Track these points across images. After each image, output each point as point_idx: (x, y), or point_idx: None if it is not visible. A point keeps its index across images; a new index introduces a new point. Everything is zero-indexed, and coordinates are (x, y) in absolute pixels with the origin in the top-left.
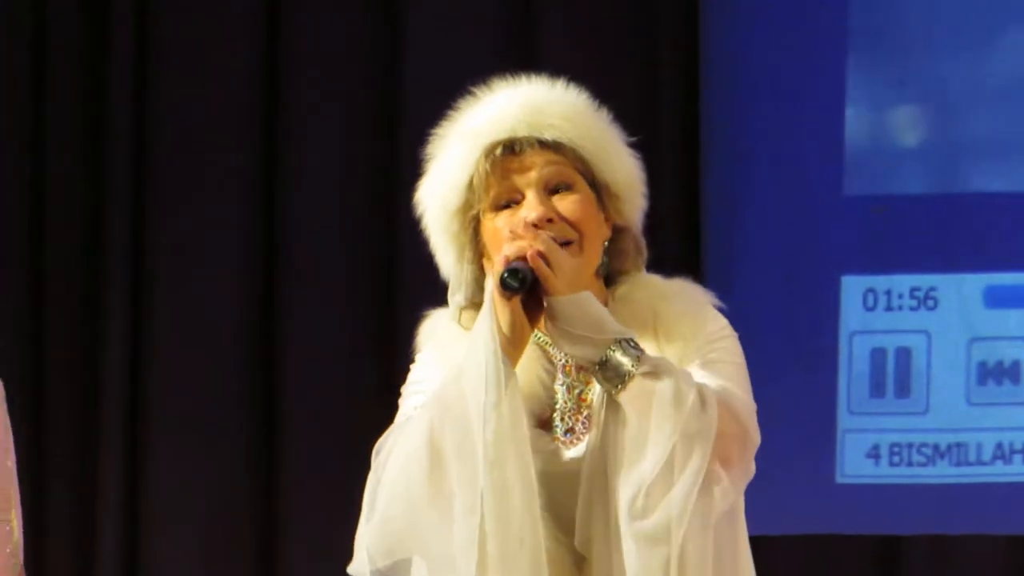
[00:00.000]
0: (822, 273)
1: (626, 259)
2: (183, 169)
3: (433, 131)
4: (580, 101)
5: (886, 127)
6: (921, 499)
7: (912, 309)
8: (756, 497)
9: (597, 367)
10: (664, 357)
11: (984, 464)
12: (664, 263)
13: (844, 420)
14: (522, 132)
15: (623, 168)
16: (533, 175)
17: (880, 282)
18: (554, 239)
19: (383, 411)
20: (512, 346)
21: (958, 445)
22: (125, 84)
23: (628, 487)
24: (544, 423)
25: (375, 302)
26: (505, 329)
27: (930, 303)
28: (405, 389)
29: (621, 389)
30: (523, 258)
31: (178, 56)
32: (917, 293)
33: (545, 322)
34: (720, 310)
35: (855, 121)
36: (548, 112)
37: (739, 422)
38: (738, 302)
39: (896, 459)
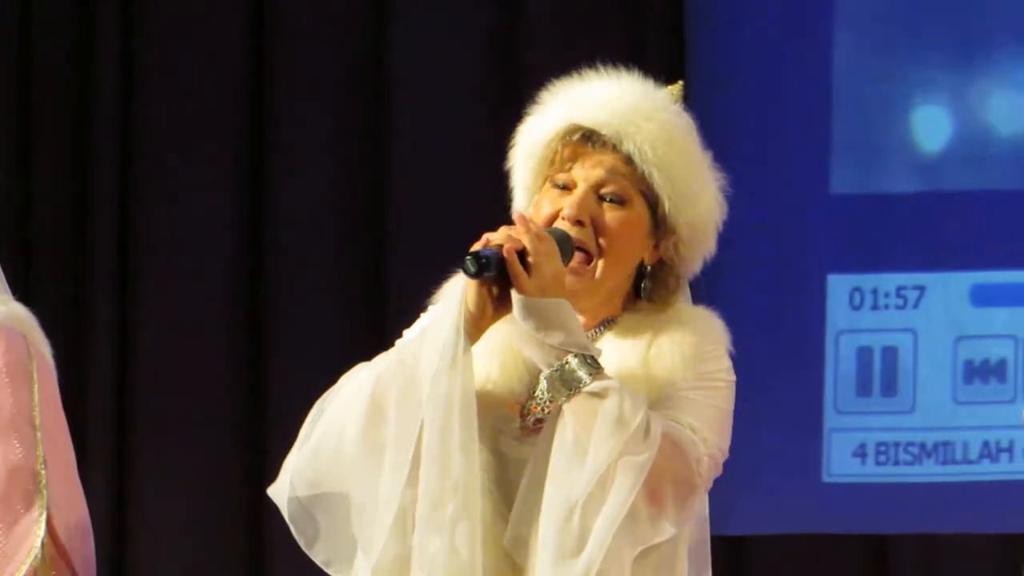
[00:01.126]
0: (808, 272)
1: (663, 290)
2: (169, 166)
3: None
4: (679, 123)
5: (873, 125)
6: (908, 498)
7: (898, 308)
8: (743, 496)
9: (550, 374)
10: (618, 381)
11: (971, 463)
12: None
13: (831, 419)
14: (605, 131)
15: (694, 212)
16: (594, 173)
17: (866, 281)
18: (579, 241)
19: None
20: (474, 325)
21: (945, 444)
22: (111, 79)
23: (561, 500)
24: (520, 407)
25: (363, 301)
26: (471, 308)
27: (916, 302)
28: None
29: (567, 401)
30: (500, 246)
31: (164, 52)
32: (903, 292)
33: (514, 314)
34: (731, 356)
35: (841, 119)
36: (640, 124)
37: (684, 462)
38: (725, 301)
39: (883, 458)
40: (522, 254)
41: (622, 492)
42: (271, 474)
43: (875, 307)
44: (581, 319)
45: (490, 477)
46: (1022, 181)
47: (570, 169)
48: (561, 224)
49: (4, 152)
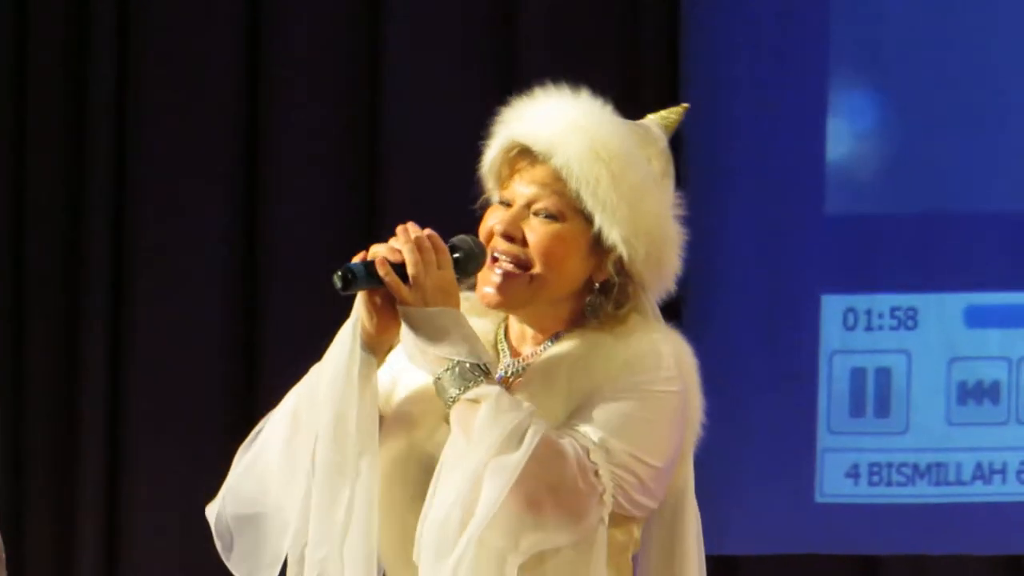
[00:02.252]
0: (802, 292)
1: (605, 309)
2: (164, 173)
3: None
4: (617, 143)
5: (867, 146)
6: (900, 519)
7: (892, 328)
8: (735, 516)
9: (434, 381)
10: (498, 388)
11: (963, 484)
12: None
13: (824, 439)
14: (537, 146)
15: (631, 228)
16: (529, 189)
17: (860, 301)
18: (509, 251)
19: None
20: (371, 336)
21: (938, 465)
22: (105, 89)
23: (443, 496)
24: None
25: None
26: (363, 320)
27: (910, 323)
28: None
29: (449, 407)
30: (373, 259)
31: (159, 60)
32: (897, 312)
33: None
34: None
35: (836, 140)
36: (571, 139)
37: (563, 469)
38: (718, 321)
39: (875, 479)
40: (401, 267)
41: (491, 493)
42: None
43: (869, 328)
44: (529, 335)
45: (415, 491)
46: (1017, 202)
47: (510, 186)
48: (496, 240)
49: None
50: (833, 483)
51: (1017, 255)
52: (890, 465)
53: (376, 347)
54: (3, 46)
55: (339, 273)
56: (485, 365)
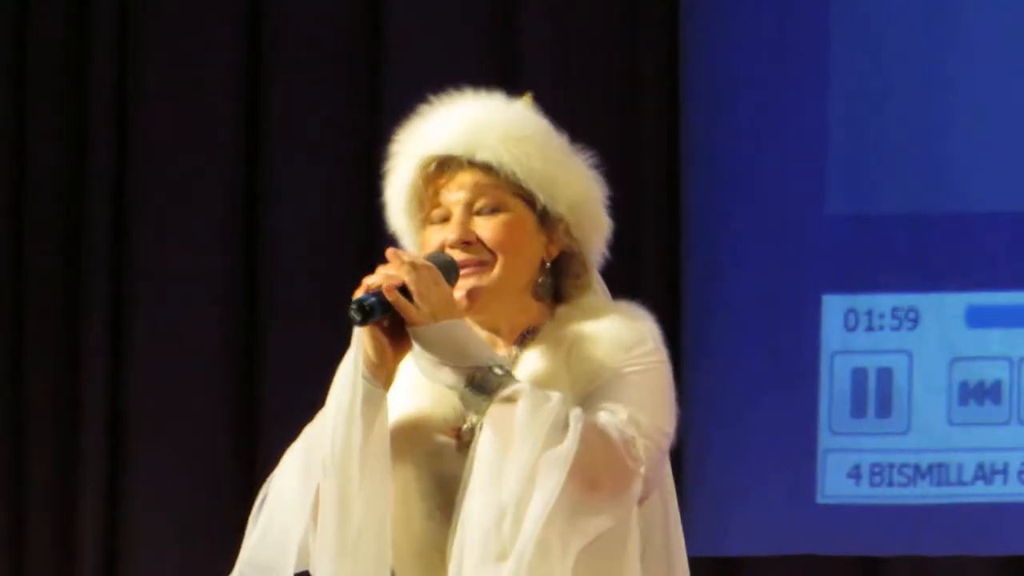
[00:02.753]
0: (803, 292)
1: (574, 281)
2: (165, 176)
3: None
4: (524, 121)
5: (868, 146)
6: (902, 519)
7: (893, 329)
8: (736, 517)
9: (461, 393)
10: (528, 383)
11: (965, 484)
12: (644, 282)
13: (825, 440)
14: (457, 151)
15: (569, 193)
16: (461, 195)
17: (861, 301)
18: (464, 263)
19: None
20: (377, 367)
21: (939, 465)
22: (105, 93)
23: (486, 506)
24: (458, 431)
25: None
26: (369, 352)
27: (911, 323)
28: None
29: (482, 413)
30: (379, 288)
31: (159, 67)
32: (898, 313)
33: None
34: (656, 336)
35: (836, 140)
36: (486, 132)
37: (611, 447)
38: (718, 322)
39: (877, 479)
40: (404, 288)
41: (549, 483)
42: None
43: (870, 328)
44: (500, 337)
45: (432, 503)
46: (1017, 202)
47: (439, 202)
48: (451, 252)
49: None
50: (834, 484)
51: (1018, 255)
52: (891, 466)
53: (383, 379)
54: (3, 47)
55: (354, 308)
56: (504, 366)
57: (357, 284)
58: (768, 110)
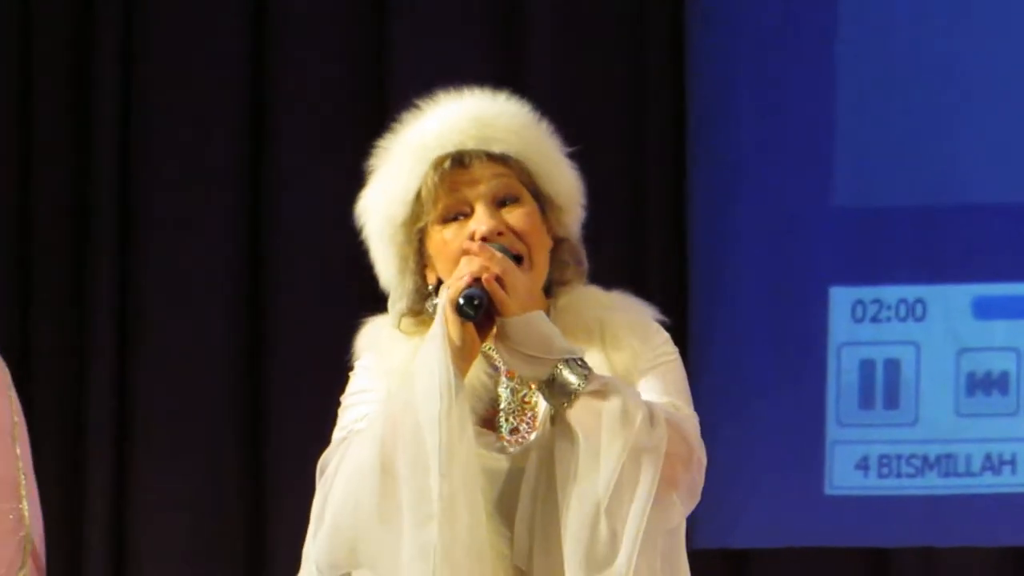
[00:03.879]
0: (810, 284)
1: (567, 270)
2: (169, 177)
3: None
4: (524, 113)
5: (875, 138)
6: (910, 510)
7: (900, 320)
8: (745, 509)
9: (544, 384)
10: (612, 376)
11: (973, 475)
12: (650, 275)
13: (833, 432)
14: (470, 145)
15: (564, 180)
16: (482, 188)
17: (868, 293)
18: (508, 249)
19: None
20: (462, 360)
21: (947, 456)
22: (111, 84)
23: (583, 505)
24: (488, 422)
25: (363, 311)
26: (457, 342)
27: (918, 314)
28: (345, 399)
29: (568, 407)
30: (479, 280)
31: (164, 59)
32: (905, 304)
33: (495, 338)
34: (663, 324)
35: (843, 132)
36: (496, 125)
37: (686, 442)
38: (726, 313)
39: (885, 470)
40: (498, 280)
41: (644, 486)
42: (270, 483)
43: (877, 320)
44: None
45: (486, 499)
46: None
47: (455, 198)
48: (474, 251)
49: (3, 168)
50: (843, 475)
51: None
52: (899, 457)
53: (464, 372)
54: (8, 60)
55: (464, 302)
56: (583, 360)
57: (363, 283)
58: (775, 102)
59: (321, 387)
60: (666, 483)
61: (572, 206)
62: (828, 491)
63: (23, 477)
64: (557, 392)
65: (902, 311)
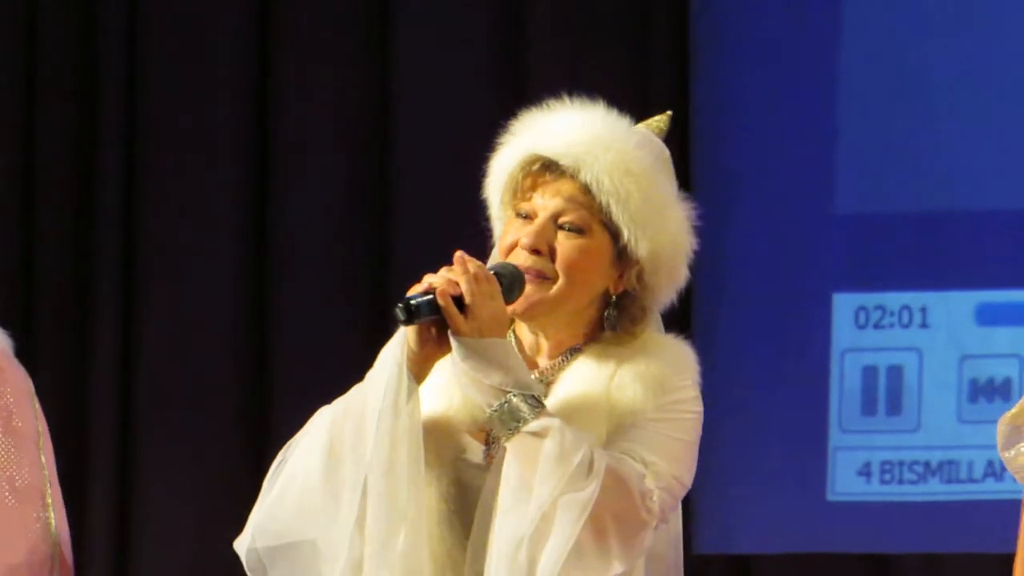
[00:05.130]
0: (813, 291)
1: (626, 322)
2: (174, 173)
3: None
4: (643, 154)
5: (878, 145)
6: (912, 517)
7: (903, 327)
8: (747, 515)
9: (490, 414)
10: (559, 419)
11: (975, 482)
12: None
13: (835, 438)
14: (564, 160)
15: (656, 241)
16: (553, 202)
17: (871, 300)
18: (526, 269)
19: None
20: (417, 363)
21: (949, 463)
22: (116, 83)
23: (508, 534)
24: (485, 433)
25: (367, 306)
26: (413, 347)
27: (921, 321)
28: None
29: (508, 440)
30: (434, 291)
31: (169, 51)
32: (908, 311)
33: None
34: (700, 387)
35: (846, 139)
36: (599, 153)
37: (628, 498)
38: (728, 321)
39: (887, 477)
40: (460, 298)
41: (566, 528)
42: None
43: (880, 326)
44: (544, 347)
45: (451, 507)
46: None
47: (531, 199)
48: (518, 253)
49: (6, 161)
50: (845, 481)
51: None
52: (902, 463)
53: (420, 377)
54: (13, 45)
55: (401, 307)
56: (539, 397)
57: (364, 282)
58: (778, 109)
59: (324, 382)
60: (596, 533)
61: (658, 266)
62: (830, 497)
63: (48, 485)
64: (500, 423)
65: (905, 318)
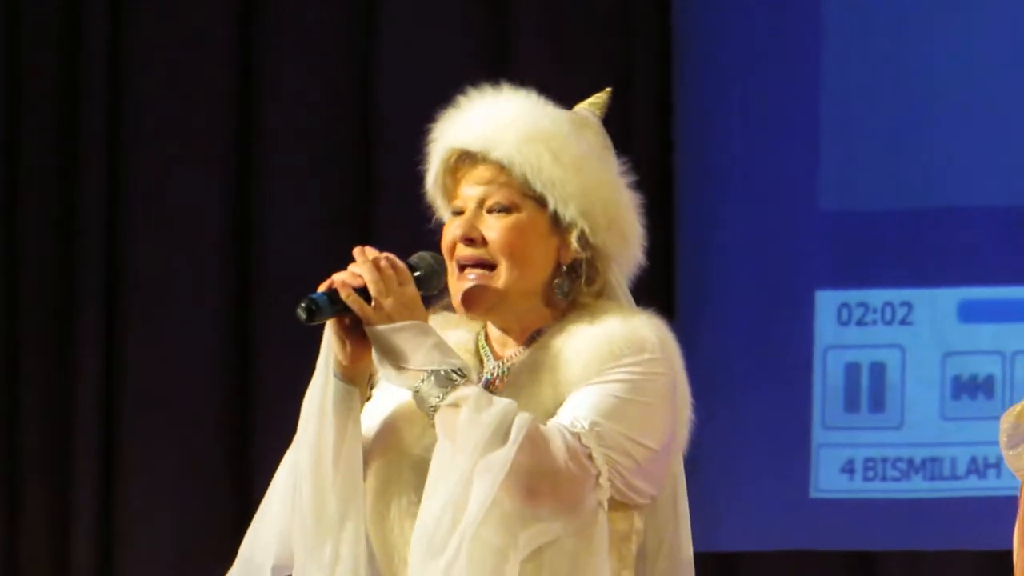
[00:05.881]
0: (796, 287)
1: (575, 287)
2: (157, 178)
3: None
4: (548, 123)
5: (860, 142)
6: (895, 514)
7: (886, 323)
8: (730, 512)
9: (413, 396)
10: (477, 389)
11: (958, 479)
12: (638, 279)
13: (818, 435)
14: (475, 146)
15: (583, 198)
16: (476, 190)
17: (854, 296)
18: (464, 259)
19: None
20: (345, 363)
21: (932, 460)
22: (98, 95)
23: (430, 504)
24: None
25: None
26: (334, 349)
27: (904, 317)
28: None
29: (432, 415)
30: (336, 286)
31: (152, 57)
32: (891, 308)
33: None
34: (661, 346)
35: (829, 136)
36: (505, 130)
37: (551, 457)
38: (712, 317)
39: (870, 474)
40: (364, 289)
41: (482, 490)
42: (258, 485)
43: (863, 323)
44: (511, 336)
45: (412, 499)
46: (1009, 197)
47: (459, 194)
48: (458, 249)
49: None
50: (828, 478)
51: (1010, 250)
52: (885, 460)
53: (355, 376)
54: None
55: (303, 305)
56: (460, 370)
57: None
58: (761, 107)
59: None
60: (525, 494)
61: (597, 224)
62: (814, 494)
63: None
64: (420, 402)
65: (888, 314)
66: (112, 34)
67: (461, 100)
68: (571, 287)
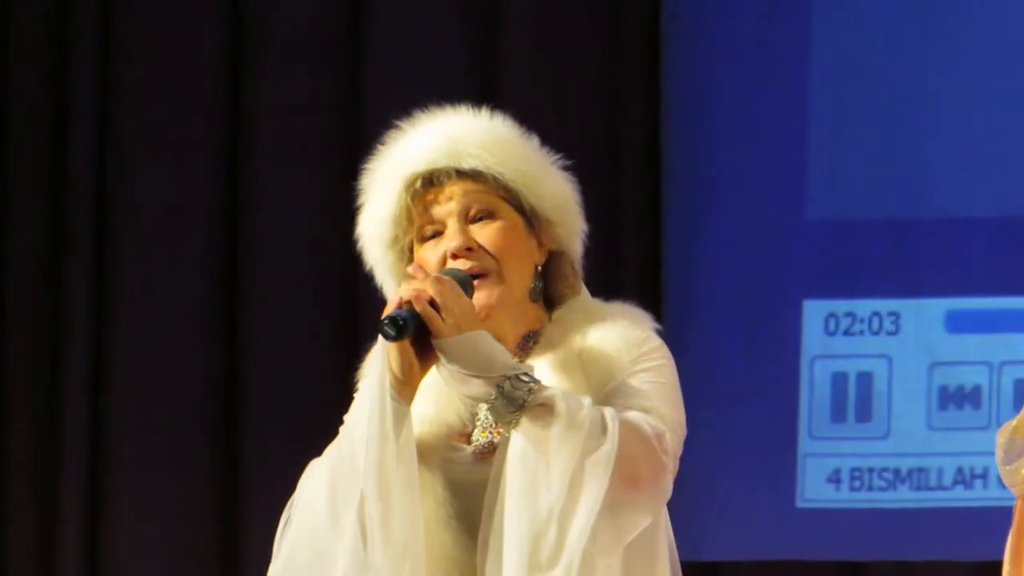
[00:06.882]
0: (783, 297)
1: (563, 282)
2: (145, 182)
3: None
4: (502, 128)
5: (848, 151)
6: (882, 524)
7: (873, 333)
8: (716, 521)
9: (491, 404)
10: (557, 388)
11: (945, 489)
12: (625, 287)
13: (805, 444)
14: (441, 163)
15: (552, 192)
16: (453, 205)
17: (841, 306)
18: (470, 270)
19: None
20: (403, 384)
21: (919, 470)
22: (87, 102)
23: (526, 515)
24: (466, 436)
25: (338, 318)
26: (395, 370)
27: (891, 328)
28: (346, 419)
29: (515, 423)
30: (409, 302)
31: (140, 61)
32: (878, 318)
33: (439, 361)
34: (658, 332)
35: (817, 146)
36: (466, 141)
37: (645, 442)
38: (699, 326)
39: (857, 484)
40: (432, 302)
41: (594, 490)
42: (247, 485)
43: (850, 333)
44: (509, 342)
45: (449, 512)
46: (997, 208)
47: (431, 217)
48: (452, 263)
49: None
50: (814, 488)
51: (998, 260)
52: (871, 470)
53: (410, 395)
54: None
55: (388, 322)
56: (529, 374)
57: (338, 296)
58: (749, 116)
59: (296, 396)
60: (627, 483)
61: (564, 218)
62: (800, 504)
63: None
64: (503, 411)
65: (875, 324)
66: (101, 34)
67: (395, 133)
68: (549, 285)
